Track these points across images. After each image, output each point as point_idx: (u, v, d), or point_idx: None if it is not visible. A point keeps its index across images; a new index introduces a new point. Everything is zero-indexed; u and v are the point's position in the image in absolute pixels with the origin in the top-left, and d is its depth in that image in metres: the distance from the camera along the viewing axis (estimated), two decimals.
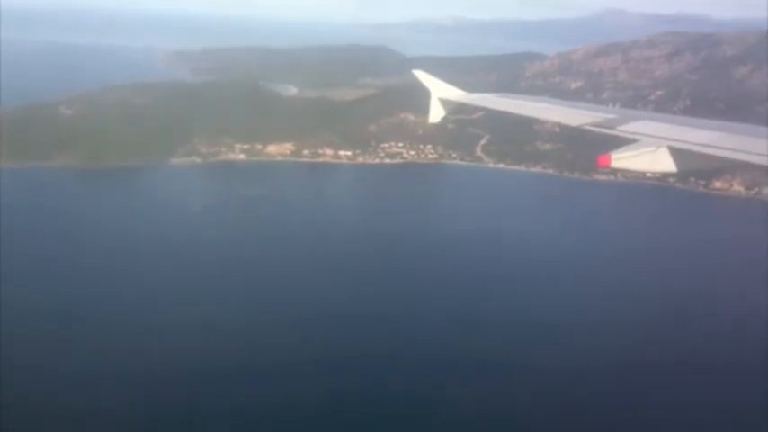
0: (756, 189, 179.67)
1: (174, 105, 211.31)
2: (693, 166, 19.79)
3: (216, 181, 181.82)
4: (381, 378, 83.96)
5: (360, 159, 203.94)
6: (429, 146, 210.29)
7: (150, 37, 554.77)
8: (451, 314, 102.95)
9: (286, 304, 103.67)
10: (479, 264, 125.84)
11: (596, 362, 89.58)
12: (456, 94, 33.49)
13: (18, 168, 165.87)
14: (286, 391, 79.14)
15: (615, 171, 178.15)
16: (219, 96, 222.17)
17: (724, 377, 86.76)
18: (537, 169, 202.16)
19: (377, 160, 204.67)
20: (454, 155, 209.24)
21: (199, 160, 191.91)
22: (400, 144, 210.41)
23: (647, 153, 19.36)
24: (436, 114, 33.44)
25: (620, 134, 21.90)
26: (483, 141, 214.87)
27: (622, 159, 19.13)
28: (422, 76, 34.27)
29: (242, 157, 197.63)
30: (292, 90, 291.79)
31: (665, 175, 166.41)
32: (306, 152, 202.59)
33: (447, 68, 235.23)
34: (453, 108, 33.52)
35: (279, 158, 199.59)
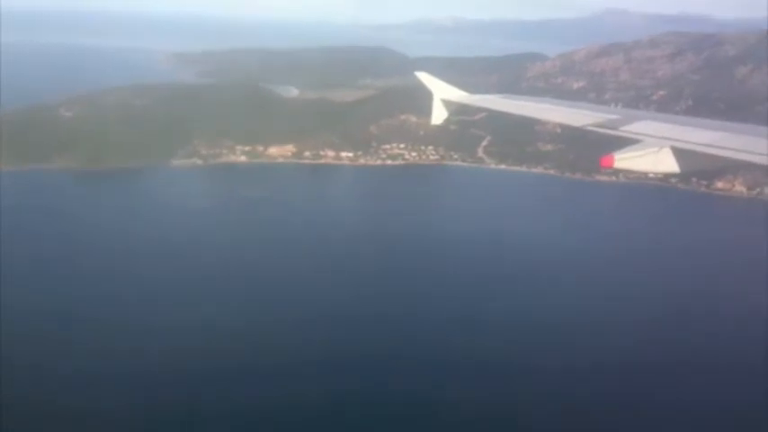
0: (758, 189, 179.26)
1: (175, 107, 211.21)
2: (696, 166, 19.72)
3: (217, 183, 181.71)
4: (382, 379, 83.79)
5: (361, 161, 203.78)
6: (430, 147, 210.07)
7: (150, 39, 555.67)
8: (453, 315, 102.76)
9: (287, 305, 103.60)
10: (481, 264, 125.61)
11: (598, 362, 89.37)
12: (458, 95, 33.59)
13: (18, 170, 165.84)
14: (286, 393, 78.99)
15: (617, 172, 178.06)
16: (220, 98, 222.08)
17: (725, 377, 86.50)
18: (538, 170, 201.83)
19: (378, 161, 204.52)
20: (456, 156, 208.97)
21: (199, 162, 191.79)
22: (402, 145, 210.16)
23: (650, 153, 19.33)
24: (439, 115, 33.53)
25: (623, 134, 21.85)
26: (485, 142, 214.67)
27: (625, 160, 19.12)
28: (424, 77, 34.37)
29: (243, 158, 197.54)
30: (293, 91, 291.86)
31: (667, 176, 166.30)
32: (307, 154, 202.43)
33: (447, 69, 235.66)
34: (455, 109, 33.62)
35: (280, 160, 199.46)
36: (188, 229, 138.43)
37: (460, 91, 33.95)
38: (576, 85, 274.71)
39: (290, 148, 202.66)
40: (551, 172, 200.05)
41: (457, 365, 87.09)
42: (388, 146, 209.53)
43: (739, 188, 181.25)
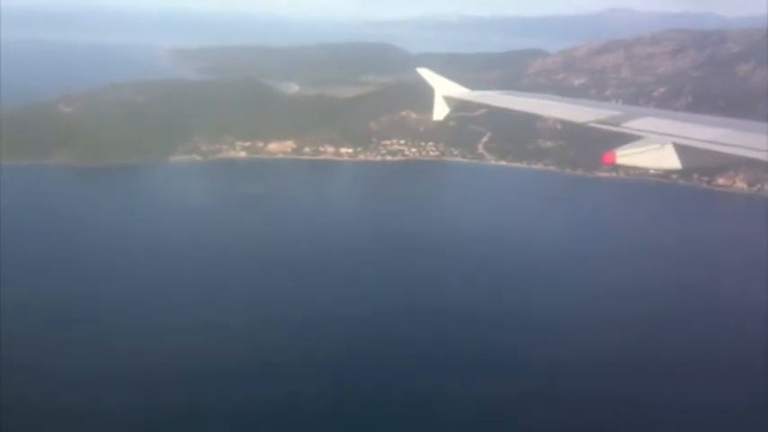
0: (759, 185, 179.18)
1: (175, 103, 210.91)
2: (698, 162, 19.63)
3: (216, 179, 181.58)
4: (382, 378, 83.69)
5: (361, 157, 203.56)
6: (430, 143, 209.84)
7: (151, 35, 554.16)
8: (453, 312, 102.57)
9: (287, 304, 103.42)
10: (481, 261, 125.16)
11: (598, 360, 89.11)
12: (460, 91, 33.65)
13: (17, 166, 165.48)
14: (286, 393, 78.86)
15: (617, 168, 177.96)
16: (220, 94, 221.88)
17: (727, 375, 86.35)
18: (539, 166, 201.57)
19: (378, 157, 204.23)
20: (456, 152, 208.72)
21: (199, 158, 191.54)
22: (402, 141, 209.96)
23: (652, 150, 19.20)
24: (440, 112, 33.63)
25: (625, 131, 21.72)
26: (485, 139, 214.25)
27: (627, 156, 18.97)
28: (426, 73, 34.50)
29: (243, 154, 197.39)
30: (294, 88, 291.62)
31: (668, 172, 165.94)
32: (307, 150, 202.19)
33: (448, 65, 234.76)
34: (456, 105, 33.67)
35: (280, 156, 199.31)
36: (187, 226, 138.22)
37: (462, 87, 33.98)
38: (576, 82, 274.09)
39: (289, 144, 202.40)
40: (552, 168, 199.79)
41: (457, 364, 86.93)
42: (388, 142, 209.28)
43: (740, 184, 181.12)
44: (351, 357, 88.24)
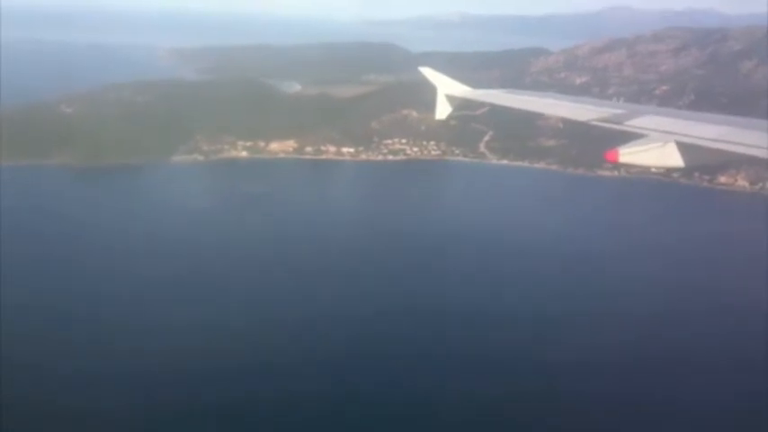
0: (761, 184, 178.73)
1: (176, 103, 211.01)
2: (701, 160, 19.61)
3: (218, 179, 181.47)
4: (382, 378, 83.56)
5: (363, 156, 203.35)
6: (432, 142, 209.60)
7: (152, 35, 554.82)
8: (453, 311, 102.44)
9: (287, 303, 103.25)
10: (482, 261, 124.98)
11: (599, 359, 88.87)
12: (462, 90, 33.62)
13: (17, 166, 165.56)
14: (286, 393, 78.73)
15: (619, 167, 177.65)
16: (221, 94, 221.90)
17: (728, 373, 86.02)
18: (541, 165, 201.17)
19: (380, 157, 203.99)
20: (457, 151, 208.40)
21: (201, 158, 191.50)
22: (403, 140, 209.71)
23: (655, 148, 19.12)
24: (443, 110, 33.60)
25: (628, 129, 21.64)
26: (486, 137, 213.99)
27: (630, 154, 18.91)
28: (428, 72, 34.44)
29: (244, 154, 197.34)
30: (296, 87, 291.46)
31: (669, 170, 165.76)
32: (308, 149, 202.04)
33: (450, 64, 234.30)
34: (459, 104, 33.70)
35: (281, 155, 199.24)
36: (188, 226, 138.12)
37: (464, 86, 33.92)
38: (579, 80, 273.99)
39: (291, 144, 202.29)
40: (554, 167, 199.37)
41: (457, 364, 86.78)
42: (389, 141, 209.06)
43: (742, 183, 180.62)
44: (351, 357, 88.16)
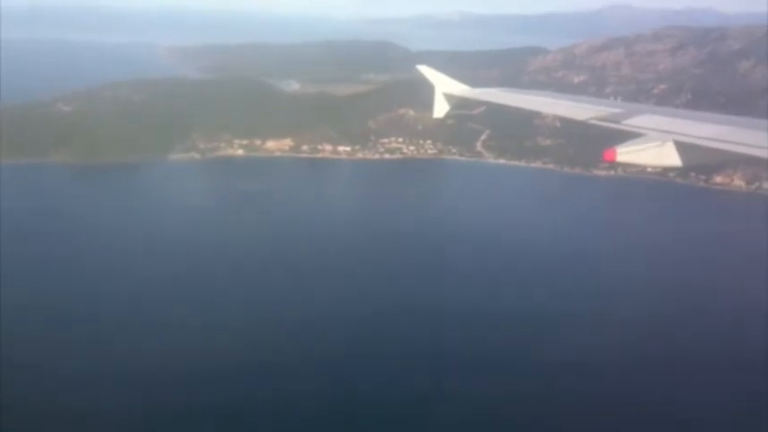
0: (757, 184, 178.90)
1: (174, 102, 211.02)
2: (698, 160, 19.64)
3: (214, 177, 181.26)
4: (380, 378, 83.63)
5: (359, 155, 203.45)
6: (429, 141, 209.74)
7: (151, 33, 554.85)
8: (451, 311, 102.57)
9: (285, 303, 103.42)
10: (479, 261, 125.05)
11: (597, 359, 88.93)
12: (460, 88, 33.73)
13: (15, 164, 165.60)
14: (285, 392, 78.86)
15: (615, 166, 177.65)
16: (219, 92, 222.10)
17: (726, 373, 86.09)
18: (537, 164, 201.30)
19: (376, 155, 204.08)
20: (454, 150, 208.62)
21: (197, 156, 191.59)
22: (400, 139, 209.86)
23: (653, 147, 19.20)
24: (441, 109, 33.73)
25: (626, 128, 21.72)
26: (483, 137, 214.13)
27: (628, 153, 18.97)
28: (426, 71, 34.55)
29: (241, 152, 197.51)
30: (294, 86, 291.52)
31: (666, 170, 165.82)
32: (305, 147, 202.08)
33: (449, 63, 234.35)
34: (457, 103, 33.78)
35: (278, 154, 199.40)
36: (185, 225, 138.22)
37: (462, 84, 34.03)
38: (576, 79, 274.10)
39: (287, 142, 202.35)
40: (550, 166, 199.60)
41: (456, 364, 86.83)
42: (386, 140, 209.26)
43: (738, 182, 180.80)
44: (349, 357, 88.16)
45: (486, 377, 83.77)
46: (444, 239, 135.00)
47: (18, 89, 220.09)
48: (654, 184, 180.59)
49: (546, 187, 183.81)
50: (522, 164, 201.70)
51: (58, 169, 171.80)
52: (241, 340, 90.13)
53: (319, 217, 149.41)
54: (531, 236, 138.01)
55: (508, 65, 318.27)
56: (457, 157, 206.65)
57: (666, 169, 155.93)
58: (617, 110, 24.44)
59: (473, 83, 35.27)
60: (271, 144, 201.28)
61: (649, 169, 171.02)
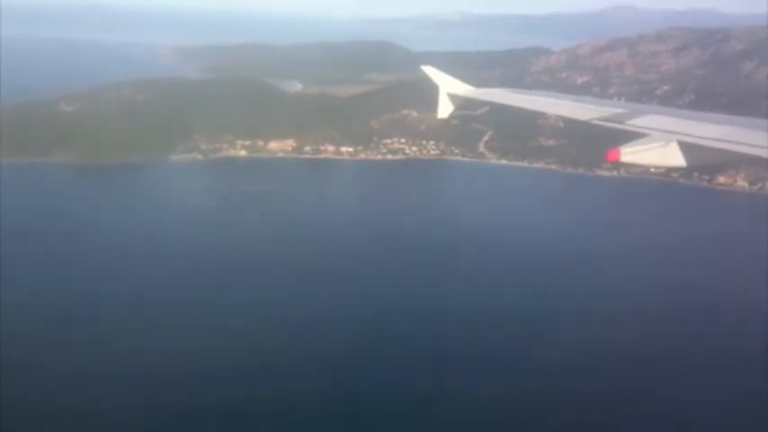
0: (760, 184, 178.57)
1: (176, 102, 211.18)
2: (702, 160, 19.63)
3: (217, 177, 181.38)
4: (382, 378, 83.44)
5: (362, 155, 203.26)
6: (431, 142, 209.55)
7: (152, 33, 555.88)
8: (453, 311, 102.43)
9: (287, 303, 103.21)
10: (481, 261, 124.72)
11: (599, 358, 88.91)
12: (464, 89, 33.73)
13: (17, 164, 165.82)
14: (286, 393, 78.68)
15: (618, 166, 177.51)
16: (221, 93, 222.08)
17: (728, 373, 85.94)
18: (540, 165, 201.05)
19: (379, 156, 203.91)
20: (457, 151, 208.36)
21: (199, 157, 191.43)
22: (402, 140, 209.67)
23: (657, 147, 19.11)
24: (444, 109, 33.70)
25: (629, 128, 21.64)
26: (486, 137, 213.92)
27: (631, 154, 18.91)
28: (430, 71, 34.57)
29: (243, 153, 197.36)
30: (297, 86, 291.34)
31: (669, 170, 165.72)
32: (307, 148, 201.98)
33: (451, 63, 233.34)
34: (461, 103, 33.80)
35: (280, 155, 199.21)
36: (187, 225, 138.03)
37: (466, 85, 34.02)
38: (580, 80, 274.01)
39: (290, 143, 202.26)
40: (553, 167, 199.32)
41: (457, 363, 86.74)
42: (388, 140, 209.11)
43: (741, 183, 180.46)
44: (351, 357, 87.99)
45: (488, 377, 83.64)
46: (446, 240, 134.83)
47: (19, 88, 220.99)
48: (657, 184, 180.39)
49: (549, 188, 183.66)
50: (525, 164, 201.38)
51: (60, 169, 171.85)
52: (243, 340, 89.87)
53: (322, 217, 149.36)
54: (533, 236, 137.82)
55: (511, 65, 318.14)
56: (459, 157, 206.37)
57: (670, 170, 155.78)
58: (620, 110, 24.40)
59: (476, 83, 35.27)
60: (273, 145, 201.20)
61: (652, 170, 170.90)
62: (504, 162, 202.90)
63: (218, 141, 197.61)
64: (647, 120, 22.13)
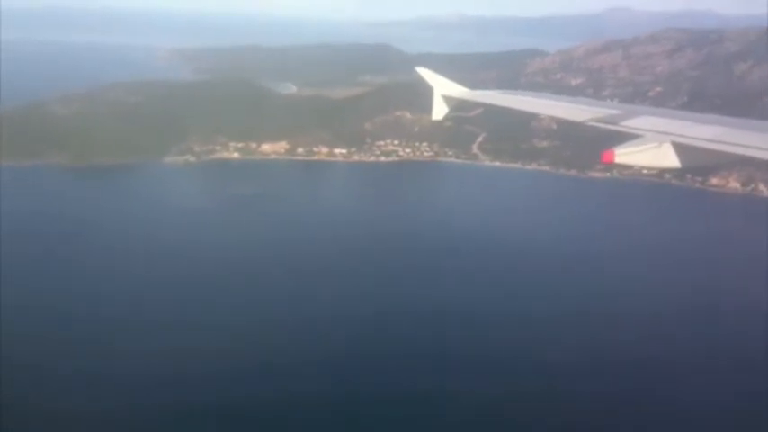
0: (753, 185, 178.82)
1: (170, 104, 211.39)
2: (696, 161, 19.63)
3: (209, 179, 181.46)
4: (382, 378, 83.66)
5: (355, 157, 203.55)
6: (425, 144, 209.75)
7: (150, 36, 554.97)
8: (451, 312, 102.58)
9: (287, 303, 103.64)
10: (476, 262, 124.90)
11: (595, 359, 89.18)
12: (459, 90, 33.72)
13: (11, 166, 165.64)
14: (286, 393, 78.91)
15: (611, 168, 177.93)
16: (215, 95, 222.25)
17: (728, 373, 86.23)
18: (533, 167, 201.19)
19: (372, 158, 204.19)
20: (450, 153, 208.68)
21: (192, 159, 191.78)
22: (396, 142, 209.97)
23: (651, 149, 19.21)
24: (439, 111, 33.62)
25: (624, 130, 21.72)
26: (479, 139, 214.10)
27: (626, 155, 18.98)
28: (425, 73, 34.54)
29: (236, 155, 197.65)
30: (291, 88, 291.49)
31: (662, 172, 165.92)
32: (300, 150, 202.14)
33: (447, 65, 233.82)
34: (455, 105, 33.79)
35: (273, 157, 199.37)
36: (181, 227, 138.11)
37: (461, 87, 34.06)
38: (574, 82, 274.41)
39: (283, 145, 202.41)
40: (546, 169, 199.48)
41: (457, 364, 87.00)
42: (382, 142, 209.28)
43: (734, 184, 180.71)
44: (351, 357, 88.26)
45: (488, 377, 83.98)
46: (442, 241, 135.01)
47: (19, 90, 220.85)
48: (650, 185, 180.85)
49: (542, 189, 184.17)
50: (519, 166, 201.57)
51: (54, 171, 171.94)
52: (243, 340, 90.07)
53: (316, 219, 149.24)
54: (528, 237, 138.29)
55: (506, 67, 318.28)
56: (453, 159, 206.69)
57: (663, 171, 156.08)
58: (615, 111, 24.45)
59: (471, 85, 35.41)
60: (266, 147, 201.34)
61: (645, 171, 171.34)
62: (497, 164, 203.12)
63: (212, 143, 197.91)
64: (641, 121, 22.20)
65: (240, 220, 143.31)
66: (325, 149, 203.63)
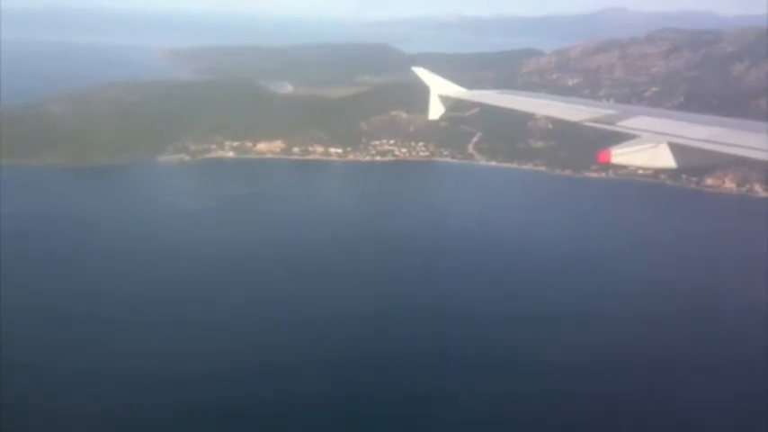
0: (748, 186, 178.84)
1: (167, 103, 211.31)
2: (692, 161, 19.71)
3: (204, 178, 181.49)
4: (382, 378, 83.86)
5: (350, 157, 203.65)
6: (421, 143, 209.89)
7: (149, 36, 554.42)
8: (449, 312, 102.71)
9: (286, 303, 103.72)
10: (473, 262, 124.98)
11: (593, 360, 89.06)
12: (455, 90, 33.92)
13: (9, 165, 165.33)
14: (286, 393, 79.04)
15: (606, 168, 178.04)
16: (212, 94, 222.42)
17: (728, 373, 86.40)
18: (529, 167, 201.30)
19: (368, 158, 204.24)
20: (446, 152, 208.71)
21: (187, 158, 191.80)
22: (392, 141, 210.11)
23: (647, 149, 19.30)
24: (436, 111, 33.83)
25: (620, 130, 21.83)
26: (475, 139, 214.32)
27: (622, 155, 19.09)
28: (422, 72, 34.78)
29: (231, 154, 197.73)
30: (288, 88, 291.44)
31: (658, 172, 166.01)
32: (296, 149, 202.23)
33: (444, 65, 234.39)
34: (451, 105, 33.93)
35: (269, 156, 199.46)
36: (178, 226, 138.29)
37: (457, 86, 34.26)
38: (570, 82, 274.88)
39: (278, 144, 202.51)
40: (541, 168, 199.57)
41: (456, 364, 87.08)
42: (377, 142, 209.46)
43: (729, 185, 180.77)
44: (351, 357, 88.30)
45: (488, 377, 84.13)
46: (438, 241, 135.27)
47: (18, 91, 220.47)
48: (645, 186, 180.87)
49: (537, 189, 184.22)
50: (514, 166, 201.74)
51: (50, 171, 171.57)
52: (242, 340, 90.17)
53: (310, 218, 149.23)
54: (525, 237, 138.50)
55: (503, 67, 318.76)
56: (449, 159, 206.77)
57: (659, 171, 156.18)
58: (611, 111, 24.53)
59: (468, 85, 35.58)
60: (262, 146, 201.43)
61: (640, 171, 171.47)
62: (493, 164, 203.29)
63: (207, 142, 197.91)
64: (638, 121, 22.30)
65: (236, 220, 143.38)
66: (320, 149, 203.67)
